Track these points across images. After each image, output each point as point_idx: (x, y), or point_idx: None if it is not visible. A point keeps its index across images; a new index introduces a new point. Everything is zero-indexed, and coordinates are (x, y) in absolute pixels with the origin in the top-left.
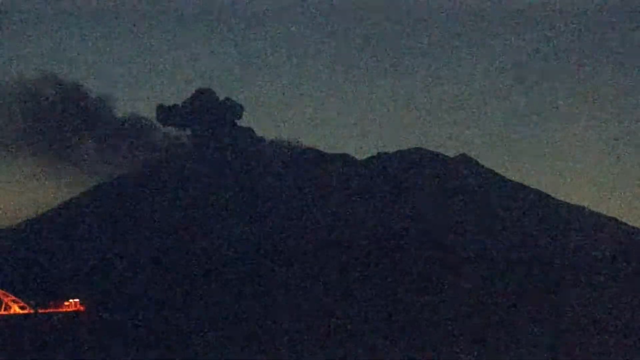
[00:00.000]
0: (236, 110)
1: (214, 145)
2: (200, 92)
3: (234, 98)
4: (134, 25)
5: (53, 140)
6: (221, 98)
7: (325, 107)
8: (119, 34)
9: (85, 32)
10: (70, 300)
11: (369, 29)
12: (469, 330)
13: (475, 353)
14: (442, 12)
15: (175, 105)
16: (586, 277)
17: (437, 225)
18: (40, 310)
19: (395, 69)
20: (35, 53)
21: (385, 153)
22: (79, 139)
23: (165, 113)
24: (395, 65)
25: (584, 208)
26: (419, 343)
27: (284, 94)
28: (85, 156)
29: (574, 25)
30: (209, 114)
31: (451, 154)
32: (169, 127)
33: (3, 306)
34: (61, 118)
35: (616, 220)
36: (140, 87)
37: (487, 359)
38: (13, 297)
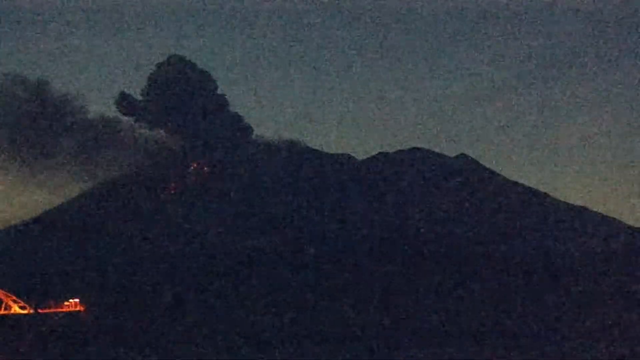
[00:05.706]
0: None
1: (203, 143)
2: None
3: (231, 98)
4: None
5: (34, 143)
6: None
7: (325, 107)
8: (83, 29)
9: (47, 28)
10: (70, 300)
11: (369, 29)
12: (468, 329)
13: (474, 352)
14: (443, 12)
15: (140, 101)
16: (586, 277)
17: (437, 225)
18: (40, 310)
19: (396, 69)
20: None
21: (385, 153)
22: (58, 141)
23: (128, 102)
24: (396, 65)
25: (584, 208)
26: (419, 343)
27: (283, 93)
28: (68, 157)
29: (575, 26)
30: (188, 104)
31: (451, 154)
32: (146, 125)
33: (3, 306)
34: (35, 120)
35: (616, 220)
36: (107, 84)
37: (486, 359)
38: (13, 297)
